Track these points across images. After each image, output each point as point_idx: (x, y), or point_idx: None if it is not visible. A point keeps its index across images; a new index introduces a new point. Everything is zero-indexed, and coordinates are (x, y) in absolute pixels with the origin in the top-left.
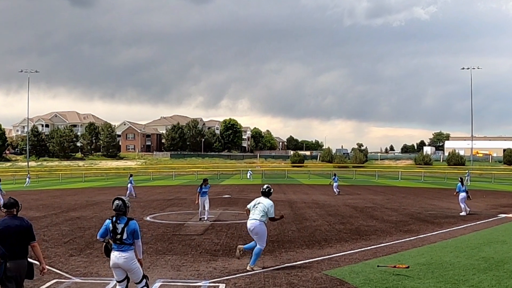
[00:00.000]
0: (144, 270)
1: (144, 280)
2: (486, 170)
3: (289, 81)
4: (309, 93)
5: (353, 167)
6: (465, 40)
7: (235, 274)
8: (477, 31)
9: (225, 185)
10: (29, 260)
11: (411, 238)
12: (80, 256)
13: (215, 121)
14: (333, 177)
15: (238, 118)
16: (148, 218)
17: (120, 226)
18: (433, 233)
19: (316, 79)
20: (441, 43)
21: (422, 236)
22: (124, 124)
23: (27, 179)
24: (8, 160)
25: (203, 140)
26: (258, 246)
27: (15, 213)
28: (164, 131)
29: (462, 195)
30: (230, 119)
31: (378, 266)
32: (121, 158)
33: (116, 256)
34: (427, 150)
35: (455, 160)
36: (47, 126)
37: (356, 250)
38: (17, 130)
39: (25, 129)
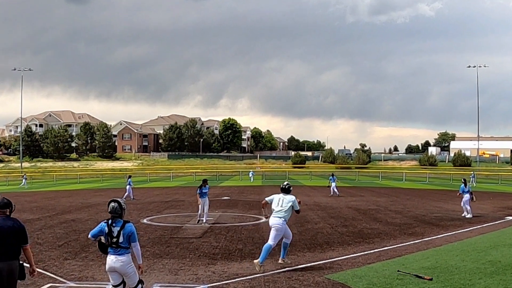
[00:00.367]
0: (140, 274)
1: (140, 285)
2: (493, 171)
3: (290, 79)
4: (311, 92)
5: (356, 168)
6: (471, 38)
7: (235, 278)
8: (483, 28)
9: (224, 187)
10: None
11: (416, 241)
12: (75, 260)
13: (214, 120)
14: (331, 177)
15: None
16: (145, 221)
17: (116, 229)
18: (438, 236)
19: (317, 78)
20: (447, 40)
21: (427, 239)
22: (121, 124)
23: (24, 180)
24: (1, 161)
25: (201, 140)
26: (285, 240)
27: (8, 213)
28: (161, 131)
29: (466, 196)
30: (229, 118)
31: (398, 271)
32: (117, 159)
33: (112, 259)
34: (432, 150)
35: (461, 161)
36: (41, 126)
37: (359, 254)
38: (10, 130)
39: (19, 129)
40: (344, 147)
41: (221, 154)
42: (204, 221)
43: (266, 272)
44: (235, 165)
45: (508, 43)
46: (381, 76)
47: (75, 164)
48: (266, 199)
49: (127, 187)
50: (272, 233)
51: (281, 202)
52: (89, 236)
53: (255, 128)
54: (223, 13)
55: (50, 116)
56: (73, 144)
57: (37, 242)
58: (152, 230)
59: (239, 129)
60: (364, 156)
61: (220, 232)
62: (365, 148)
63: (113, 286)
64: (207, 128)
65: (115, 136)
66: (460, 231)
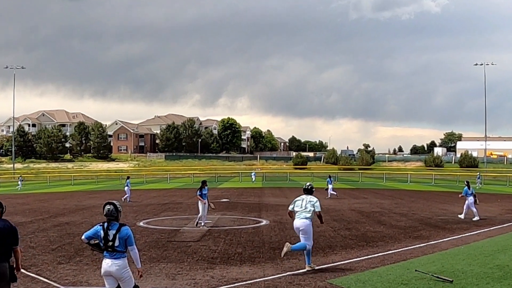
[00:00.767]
0: (138, 279)
1: None
2: (501, 173)
3: (291, 78)
4: (312, 91)
5: (359, 169)
6: (478, 34)
7: (234, 283)
8: (491, 25)
9: (223, 189)
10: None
11: (421, 245)
12: (69, 264)
13: (212, 120)
14: (328, 179)
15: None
16: (141, 224)
17: (111, 233)
18: (445, 239)
19: (319, 76)
20: (453, 37)
21: (432, 242)
22: (116, 124)
23: (19, 182)
24: None
25: (199, 140)
26: (307, 244)
27: None
28: (158, 131)
29: (470, 199)
30: (228, 118)
31: (416, 270)
32: (113, 160)
33: (108, 263)
34: (438, 151)
35: (468, 162)
36: (34, 125)
37: (362, 258)
38: (2, 130)
39: (11, 129)
40: (347, 148)
41: (220, 155)
42: (202, 224)
43: (267, 276)
44: (234, 166)
45: None
46: (385, 74)
47: (69, 165)
48: (290, 207)
49: (126, 188)
50: (302, 238)
51: (303, 204)
52: (83, 237)
53: (255, 128)
54: (222, 9)
55: (43, 115)
56: (67, 145)
57: (30, 245)
58: (148, 234)
59: (239, 129)
60: (367, 157)
61: (219, 235)
62: (369, 149)
63: None
64: (206, 128)
65: (110, 136)
66: (467, 234)
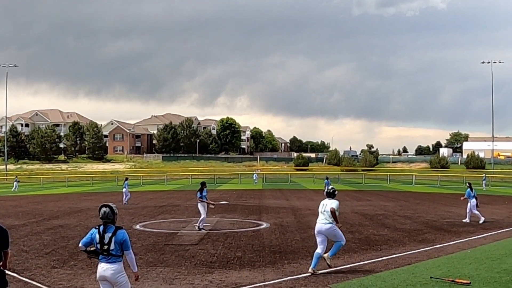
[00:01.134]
0: (134, 283)
1: None
2: (509, 174)
3: (292, 76)
4: (314, 90)
5: (363, 170)
6: (485, 31)
7: (233, 287)
8: (498, 22)
9: (222, 191)
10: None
11: (426, 249)
12: (63, 268)
13: (211, 120)
14: (326, 180)
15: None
16: (137, 227)
17: (107, 236)
18: (450, 243)
19: (322, 74)
20: (459, 34)
21: (438, 246)
22: (112, 124)
23: (15, 183)
24: None
25: (198, 141)
26: (339, 241)
27: None
28: (155, 131)
29: (473, 202)
30: (227, 118)
31: (431, 277)
32: (108, 161)
33: (103, 268)
34: (444, 152)
35: (475, 163)
36: (27, 125)
37: (365, 262)
38: None
39: (3, 129)
40: (350, 148)
41: (219, 155)
42: (200, 227)
43: (267, 281)
44: (233, 168)
45: None
46: (390, 73)
47: (64, 166)
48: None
49: (124, 190)
50: (332, 239)
51: (324, 208)
52: (80, 245)
53: (255, 128)
54: (221, 5)
55: (36, 115)
56: (61, 145)
57: (23, 249)
58: (145, 237)
59: (238, 129)
60: (371, 158)
61: (218, 238)
62: (372, 149)
63: None
64: (204, 128)
65: (106, 136)
66: (474, 237)
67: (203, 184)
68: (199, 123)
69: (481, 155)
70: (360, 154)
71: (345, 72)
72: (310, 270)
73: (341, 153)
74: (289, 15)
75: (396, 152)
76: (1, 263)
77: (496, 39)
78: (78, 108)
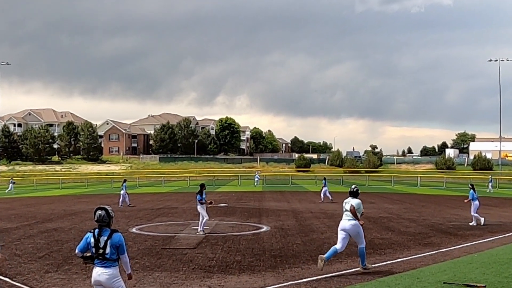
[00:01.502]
0: (127, 283)
1: None
2: None
3: (293, 74)
4: (316, 89)
5: (366, 172)
6: (492, 28)
7: None
8: (506, 18)
9: (221, 193)
10: None
11: (432, 253)
12: (57, 273)
13: (209, 120)
14: (323, 181)
15: (236, 116)
16: (134, 230)
17: (103, 239)
18: (457, 246)
19: (324, 73)
20: (466, 31)
21: (444, 250)
22: (107, 124)
23: (11, 185)
24: None
25: (196, 141)
26: (360, 246)
27: None
28: (152, 131)
29: (476, 203)
30: (226, 117)
31: (444, 283)
32: (104, 162)
33: (98, 272)
34: (450, 152)
35: (481, 164)
36: (19, 125)
37: (369, 266)
38: None
39: None
40: (353, 149)
41: (218, 156)
42: (199, 230)
43: (267, 286)
44: (233, 169)
45: None
46: (394, 71)
47: (57, 167)
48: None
49: (121, 192)
50: (354, 238)
51: (347, 206)
52: (76, 251)
53: (255, 128)
54: (220, 1)
55: (29, 114)
56: (55, 146)
57: (15, 253)
58: (141, 240)
59: (238, 129)
60: (374, 159)
61: (217, 242)
62: (376, 150)
63: None
64: (202, 128)
65: (101, 137)
66: (481, 241)
67: (202, 186)
68: (197, 123)
69: (488, 156)
70: (363, 155)
71: (348, 71)
72: (360, 267)
73: (344, 154)
74: (290, 11)
75: (400, 153)
76: None
77: (504, 36)
78: (73, 107)
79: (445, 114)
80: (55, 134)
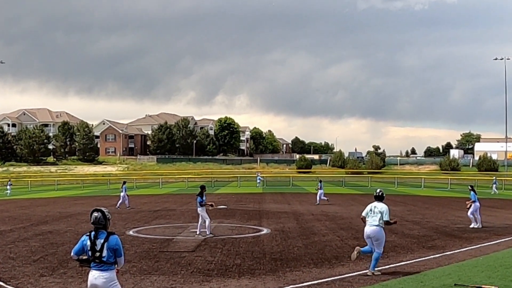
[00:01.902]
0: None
1: None
2: None
3: (294, 73)
4: (318, 88)
5: (369, 173)
6: (498, 26)
7: None
8: None
9: (221, 194)
10: None
11: (436, 256)
12: (52, 276)
13: (208, 120)
14: (319, 183)
15: (236, 116)
16: (131, 232)
17: (99, 242)
18: (462, 249)
19: (325, 72)
20: (471, 29)
21: (448, 253)
22: (104, 124)
23: (8, 186)
24: None
25: (194, 142)
26: (377, 251)
27: None
28: (149, 132)
29: (477, 204)
30: (226, 117)
31: (455, 285)
32: (100, 163)
33: (94, 276)
34: (454, 153)
35: (487, 165)
36: (14, 125)
37: None
38: None
39: None
40: (355, 150)
41: (217, 157)
42: (197, 233)
43: None
44: (232, 170)
45: None
46: (397, 70)
47: (53, 168)
48: (363, 214)
49: (121, 194)
50: (375, 244)
51: (374, 211)
52: (72, 254)
53: (255, 128)
54: None
55: (24, 114)
56: (50, 146)
57: (9, 256)
58: (139, 243)
59: (237, 129)
60: (377, 160)
61: (216, 245)
62: (379, 151)
63: None
64: (201, 128)
65: (97, 137)
66: (486, 244)
67: (203, 188)
68: (195, 123)
69: (494, 156)
70: (366, 155)
71: (350, 69)
72: (369, 272)
73: (346, 154)
74: (291, 9)
75: (404, 154)
76: None
77: (509, 34)
78: (68, 107)
79: (450, 114)
80: (50, 134)
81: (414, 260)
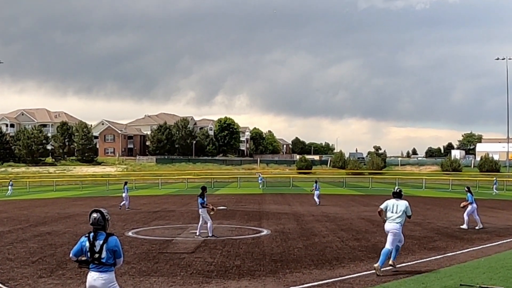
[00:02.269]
0: None
1: None
2: None
3: (294, 73)
4: (318, 88)
5: (370, 174)
6: (500, 26)
7: None
8: None
9: (220, 195)
10: None
11: (437, 257)
12: (50, 278)
13: (208, 120)
14: (315, 184)
15: (235, 116)
16: (130, 234)
17: (98, 243)
18: (463, 251)
19: (326, 72)
20: (472, 29)
21: (450, 254)
22: (102, 124)
23: (10, 187)
24: None
25: (194, 142)
26: (399, 245)
27: None
28: (148, 132)
29: (474, 205)
30: (225, 118)
31: (461, 285)
32: (99, 164)
33: (93, 277)
34: (456, 154)
35: (488, 165)
36: (12, 126)
37: (373, 271)
38: None
39: None
40: (356, 150)
41: (217, 158)
42: (197, 234)
43: None
44: (232, 171)
45: None
46: (398, 70)
47: (51, 169)
48: (381, 206)
49: (123, 194)
50: (390, 238)
51: (395, 208)
52: (71, 255)
53: (255, 128)
54: None
55: (22, 115)
56: (49, 147)
57: (7, 257)
58: (138, 244)
59: (237, 129)
60: (378, 161)
61: (216, 246)
62: (380, 151)
63: None
64: (201, 128)
65: (96, 137)
66: (488, 245)
67: (204, 189)
68: (195, 123)
69: (496, 157)
70: (366, 156)
71: (351, 69)
72: (390, 262)
73: (347, 155)
74: (291, 8)
75: (405, 154)
76: None
77: (511, 33)
78: (67, 107)
79: (451, 114)
80: (49, 134)
81: (415, 262)
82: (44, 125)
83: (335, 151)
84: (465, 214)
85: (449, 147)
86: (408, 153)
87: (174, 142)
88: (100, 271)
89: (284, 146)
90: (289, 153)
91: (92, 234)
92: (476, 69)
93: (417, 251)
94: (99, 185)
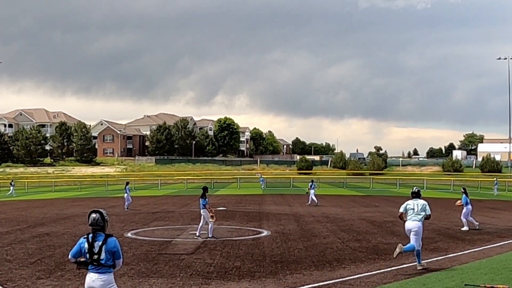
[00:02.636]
0: None
1: None
2: None
3: (295, 73)
4: (318, 88)
5: (370, 174)
6: (501, 25)
7: None
8: None
9: (220, 196)
10: None
11: (438, 258)
12: (49, 279)
13: (208, 120)
14: (310, 183)
15: (235, 117)
16: (129, 235)
17: (97, 244)
18: (464, 252)
19: (326, 71)
20: (474, 28)
21: (451, 255)
22: (101, 124)
23: (11, 187)
24: None
25: (193, 142)
26: (417, 248)
27: None
28: (148, 132)
29: (468, 208)
30: (225, 118)
31: (465, 285)
32: (98, 164)
33: (92, 278)
34: (457, 154)
35: (490, 166)
36: (10, 126)
37: (373, 272)
38: None
39: None
40: (357, 151)
41: (216, 158)
42: (197, 234)
43: None
44: (232, 171)
45: None
46: (399, 70)
47: (50, 169)
48: (401, 210)
49: (125, 195)
50: (412, 239)
51: (416, 207)
52: (70, 257)
53: (255, 128)
54: None
55: (21, 115)
56: (47, 147)
57: (6, 259)
58: (137, 245)
59: (237, 130)
60: (379, 161)
61: (215, 247)
62: (381, 152)
63: None
64: (200, 128)
65: (95, 138)
66: (489, 246)
67: (205, 189)
68: (195, 124)
69: (497, 157)
70: (367, 156)
71: (351, 69)
72: (418, 267)
73: (347, 155)
74: (292, 8)
75: (406, 155)
76: None
77: None
78: (66, 107)
79: (453, 114)
80: (47, 135)
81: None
82: (43, 125)
83: (335, 151)
84: (462, 217)
85: (451, 147)
86: (409, 153)
87: (173, 143)
88: (99, 272)
89: (284, 146)
90: (289, 153)
91: (91, 235)
92: (477, 69)
93: None
94: (98, 186)
